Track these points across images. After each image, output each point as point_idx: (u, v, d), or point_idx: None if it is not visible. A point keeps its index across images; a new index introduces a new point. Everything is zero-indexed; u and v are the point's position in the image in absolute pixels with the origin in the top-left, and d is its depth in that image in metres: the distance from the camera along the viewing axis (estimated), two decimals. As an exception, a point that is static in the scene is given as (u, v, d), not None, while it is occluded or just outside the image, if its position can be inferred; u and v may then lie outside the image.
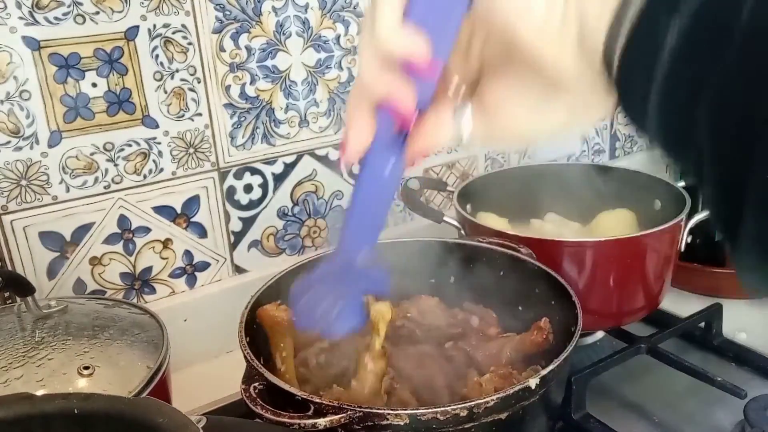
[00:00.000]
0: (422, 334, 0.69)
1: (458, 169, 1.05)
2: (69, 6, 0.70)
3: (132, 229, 0.79)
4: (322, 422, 0.51)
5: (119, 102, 0.75)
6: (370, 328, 0.60)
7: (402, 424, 0.51)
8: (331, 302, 0.45)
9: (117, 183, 0.77)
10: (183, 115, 0.79)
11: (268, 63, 0.83)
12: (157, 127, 0.78)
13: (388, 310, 0.59)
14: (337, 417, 0.51)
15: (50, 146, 0.72)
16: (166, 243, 0.82)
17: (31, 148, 0.71)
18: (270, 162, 0.87)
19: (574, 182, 0.94)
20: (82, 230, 0.76)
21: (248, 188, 0.86)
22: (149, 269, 0.82)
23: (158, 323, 0.65)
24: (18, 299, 0.64)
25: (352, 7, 0.87)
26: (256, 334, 0.64)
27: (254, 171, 0.86)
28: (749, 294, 0.57)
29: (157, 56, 0.76)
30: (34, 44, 0.69)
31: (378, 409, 0.51)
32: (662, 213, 0.85)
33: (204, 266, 0.86)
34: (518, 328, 0.69)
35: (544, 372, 0.54)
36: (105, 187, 0.76)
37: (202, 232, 0.84)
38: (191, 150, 0.81)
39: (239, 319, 0.64)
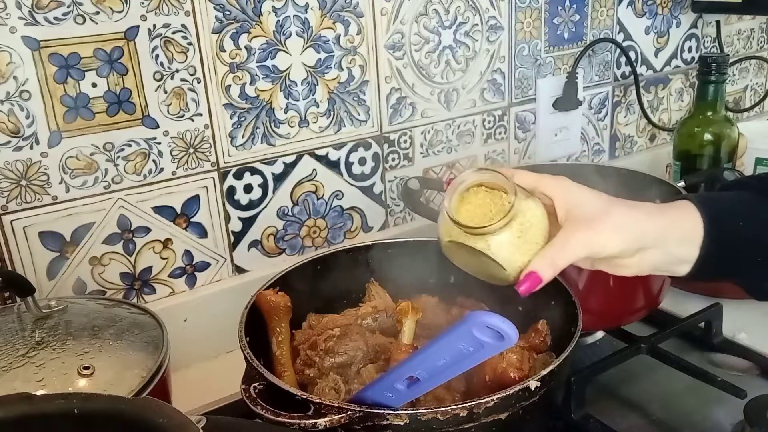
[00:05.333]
0: (422, 332, 0.69)
1: (458, 169, 1.05)
2: (69, 6, 0.70)
3: (132, 229, 0.79)
4: (322, 422, 0.51)
5: (119, 102, 0.75)
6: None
7: (402, 424, 0.51)
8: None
9: (117, 183, 0.77)
10: (183, 115, 0.79)
11: (268, 63, 0.83)
12: (157, 127, 0.78)
13: (408, 308, 0.64)
14: (337, 417, 0.51)
15: (50, 146, 0.72)
16: (166, 243, 0.82)
17: (31, 148, 0.71)
18: (270, 162, 0.87)
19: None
20: (82, 230, 0.76)
21: (248, 188, 0.86)
22: (149, 269, 0.82)
23: (158, 323, 0.65)
24: (18, 299, 0.64)
25: (352, 7, 0.87)
26: (256, 335, 0.64)
27: (254, 171, 0.86)
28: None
29: (157, 56, 0.76)
30: (34, 44, 0.69)
31: (378, 409, 0.51)
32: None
33: (204, 266, 0.86)
34: (519, 328, 0.68)
35: (544, 372, 0.54)
36: (105, 187, 0.76)
37: (202, 232, 0.84)
38: (191, 150, 0.81)
39: (239, 319, 0.64)
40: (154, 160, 0.78)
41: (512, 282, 0.52)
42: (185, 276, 0.85)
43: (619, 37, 1.18)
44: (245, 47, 0.81)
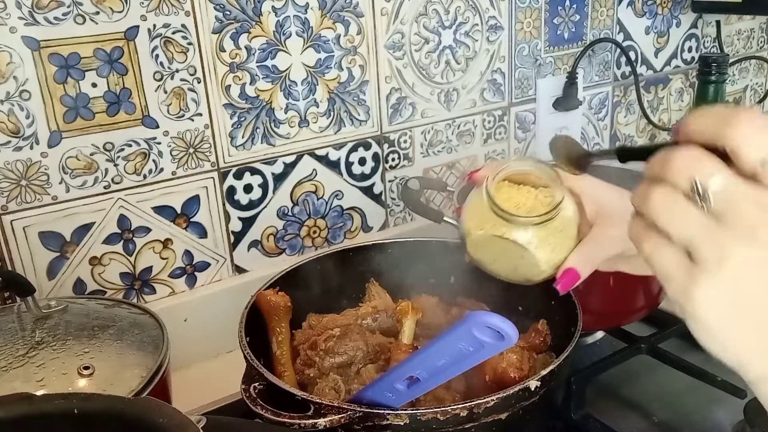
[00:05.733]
0: (422, 332, 0.69)
1: (458, 169, 1.05)
2: (69, 6, 0.70)
3: (132, 229, 0.79)
4: (322, 422, 0.51)
5: (119, 102, 0.75)
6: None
7: (402, 424, 0.51)
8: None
9: (117, 183, 0.77)
10: (183, 115, 0.79)
11: (268, 63, 0.83)
12: (157, 127, 0.78)
13: (408, 308, 0.63)
14: (337, 417, 0.51)
15: (50, 146, 0.72)
16: (166, 243, 0.82)
17: (31, 148, 0.71)
18: (270, 162, 0.87)
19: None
20: (82, 230, 0.76)
21: (248, 188, 0.86)
22: (149, 269, 0.82)
23: (158, 323, 0.65)
24: (18, 299, 0.64)
25: (352, 7, 0.87)
26: (256, 335, 0.65)
27: (254, 171, 0.86)
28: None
29: (157, 56, 0.76)
30: (34, 44, 0.69)
31: (378, 409, 0.51)
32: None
33: (204, 266, 0.86)
34: (519, 328, 0.68)
35: (543, 372, 0.54)
36: (105, 187, 0.76)
37: (202, 232, 0.84)
38: (191, 150, 0.81)
39: (239, 319, 0.64)
40: (154, 160, 0.78)
41: (540, 280, 0.51)
42: (185, 276, 0.85)
43: (619, 37, 1.18)
44: (245, 47, 0.81)
